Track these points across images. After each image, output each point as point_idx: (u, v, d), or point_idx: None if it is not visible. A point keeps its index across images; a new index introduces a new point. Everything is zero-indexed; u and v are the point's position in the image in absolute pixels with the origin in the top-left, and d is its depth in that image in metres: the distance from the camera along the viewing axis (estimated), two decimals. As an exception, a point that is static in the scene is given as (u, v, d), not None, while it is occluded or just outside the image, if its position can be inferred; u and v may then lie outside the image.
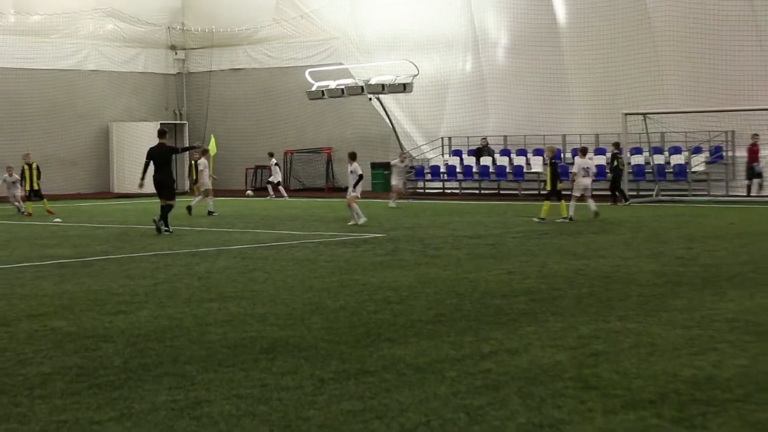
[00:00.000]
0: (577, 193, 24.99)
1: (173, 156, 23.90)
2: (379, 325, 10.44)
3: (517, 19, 39.66)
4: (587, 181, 25.06)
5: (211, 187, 30.54)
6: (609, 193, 32.77)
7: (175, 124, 47.25)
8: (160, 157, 22.85)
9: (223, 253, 18.18)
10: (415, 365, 8.50)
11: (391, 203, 32.16)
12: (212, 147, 41.88)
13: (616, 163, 32.75)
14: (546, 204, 24.54)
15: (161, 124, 45.80)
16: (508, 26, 40.12)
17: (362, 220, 24.03)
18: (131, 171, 45.37)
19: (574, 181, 25.27)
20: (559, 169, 25.59)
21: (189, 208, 28.90)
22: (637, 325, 10.22)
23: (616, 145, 33.42)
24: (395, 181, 33.83)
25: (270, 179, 40.54)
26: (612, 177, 32.78)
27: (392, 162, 35.01)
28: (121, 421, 6.94)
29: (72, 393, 7.71)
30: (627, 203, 32.14)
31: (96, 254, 18.38)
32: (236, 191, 43.64)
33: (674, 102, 35.94)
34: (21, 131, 43.79)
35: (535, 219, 24.38)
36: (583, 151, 25.96)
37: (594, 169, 26.00)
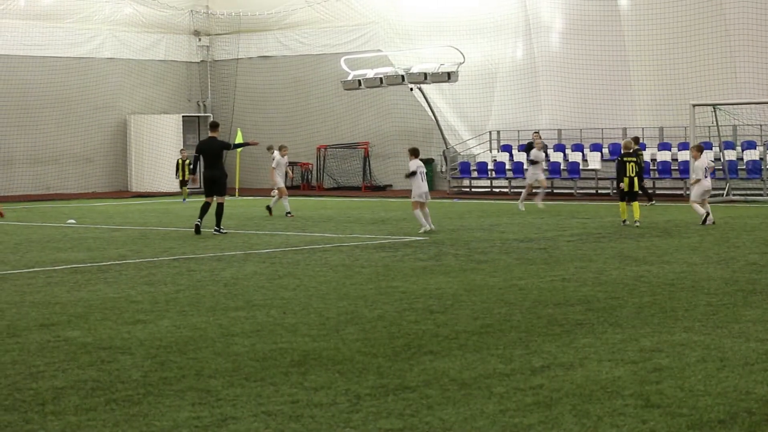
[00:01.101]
0: (699, 199, 24.02)
1: (224, 152, 23.83)
2: (420, 337, 10.47)
3: (573, 2, 39.52)
4: (709, 183, 24.28)
5: (283, 185, 29.58)
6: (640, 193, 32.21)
7: (198, 116, 47.55)
8: (211, 152, 23.24)
9: (251, 258, 18.29)
10: (459, 380, 8.52)
11: (539, 204, 29.89)
12: (239, 141, 42.18)
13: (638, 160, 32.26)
14: (622, 205, 24.00)
15: (183, 116, 46.23)
16: (563, 9, 39.98)
17: (423, 229, 22.88)
18: (151, 168, 45.78)
19: (695, 183, 24.18)
20: (637, 166, 24.18)
21: (269, 209, 29.38)
22: (704, 338, 10.18)
23: (636, 140, 32.99)
24: (540, 175, 31.30)
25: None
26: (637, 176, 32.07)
27: (533, 152, 31.57)
28: (140, 439, 7.02)
29: (87, 409, 7.80)
30: (651, 203, 31.78)
31: (113, 258, 18.56)
32: (265, 190, 43.83)
33: (748, 92, 35.63)
34: (31, 124, 44.27)
35: (627, 223, 23.66)
36: (700, 149, 24.61)
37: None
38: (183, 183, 38.93)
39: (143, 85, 47.32)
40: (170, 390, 8.35)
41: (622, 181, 23.95)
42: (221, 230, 23.07)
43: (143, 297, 13.58)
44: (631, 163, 24.01)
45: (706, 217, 23.51)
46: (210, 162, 23.30)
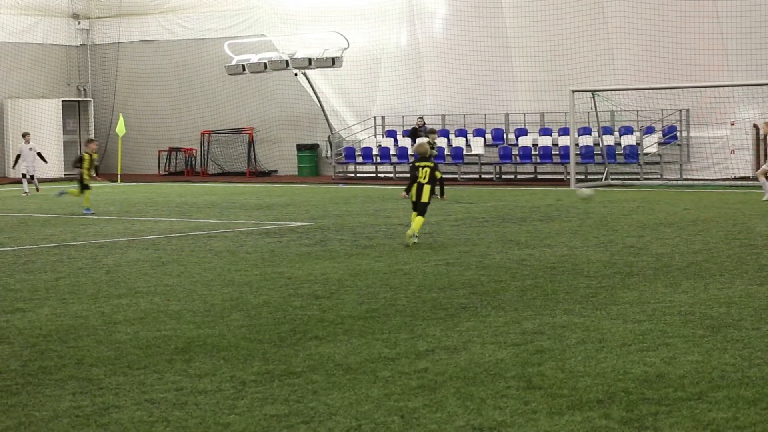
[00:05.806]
0: None
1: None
2: (305, 322, 10.47)
3: (455, -12, 39.81)
4: None
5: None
6: None
7: (78, 101, 46.65)
8: None
9: (134, 244, 18.05)
10: (345, 365, 8.55)
11: None
12: (120, 127, 41.54)
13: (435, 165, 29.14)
14: (415, 217, 17.80)
15: (63, 101, 45.28)
16: (446, -5, 40.27)
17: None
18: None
19: None
20: (433, 171, 17.97)
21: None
22: (584, 320, 10.38)
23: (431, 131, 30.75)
24: None
25: (27, 169, 34.66)
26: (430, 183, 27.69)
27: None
28: (18, 431, 6.87)
29: (-36, 400, 7.61)
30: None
31: (-10, 246, 18.13)
32: (148, 176, 43.28)
33: (625, 78, 36.40)
34: None
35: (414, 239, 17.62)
36: None
37: None
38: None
39: (20, 69, 46.15)
40: (50, 379, 8.20)
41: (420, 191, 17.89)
42: None
43: (22, 285, 13.29)
44: (426, 169, 18.02)
45: None
46: None
